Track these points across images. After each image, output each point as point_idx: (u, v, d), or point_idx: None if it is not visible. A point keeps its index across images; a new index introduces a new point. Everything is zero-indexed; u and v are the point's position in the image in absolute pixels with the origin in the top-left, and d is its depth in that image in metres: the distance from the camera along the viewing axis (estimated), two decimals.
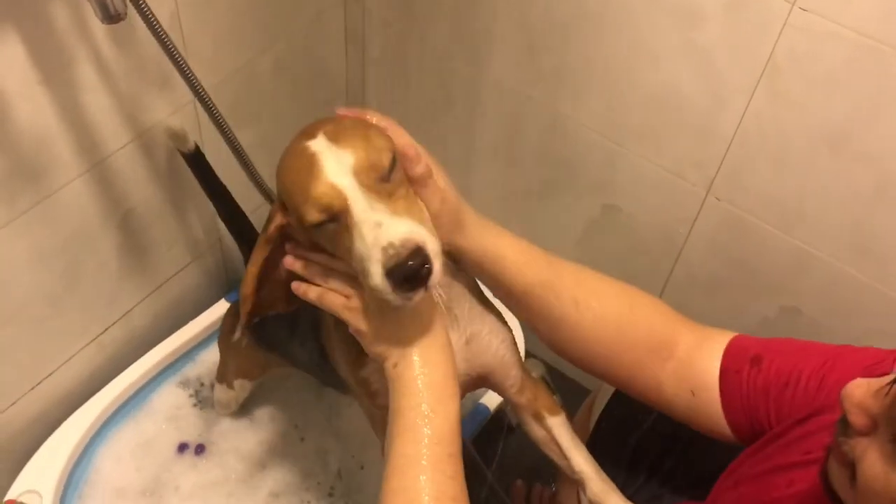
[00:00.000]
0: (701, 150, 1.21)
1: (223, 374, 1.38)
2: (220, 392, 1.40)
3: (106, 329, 1.37)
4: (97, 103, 1.12)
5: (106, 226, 1.26)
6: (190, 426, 1.42)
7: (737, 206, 1.23)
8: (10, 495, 1.21)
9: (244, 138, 1.42)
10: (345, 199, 0.74)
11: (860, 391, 0.64)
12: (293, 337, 1.10)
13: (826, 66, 1.03)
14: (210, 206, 1.31)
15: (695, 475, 1.07)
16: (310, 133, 0.78)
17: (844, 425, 0.65)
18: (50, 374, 1.30)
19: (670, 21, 1.12)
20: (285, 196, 0.80)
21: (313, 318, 1.01)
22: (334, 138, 0.76)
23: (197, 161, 1.24)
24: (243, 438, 1.43)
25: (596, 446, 1.08)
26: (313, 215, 0.75)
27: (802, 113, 1.08)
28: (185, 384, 1.46)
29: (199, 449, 1.41)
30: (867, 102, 1.02)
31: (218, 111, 1.15)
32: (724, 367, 0.93)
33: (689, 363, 0.96)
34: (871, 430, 0.63)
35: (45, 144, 1.08)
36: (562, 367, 1.68)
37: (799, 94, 1.08)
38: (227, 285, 1.58)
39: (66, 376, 1.34)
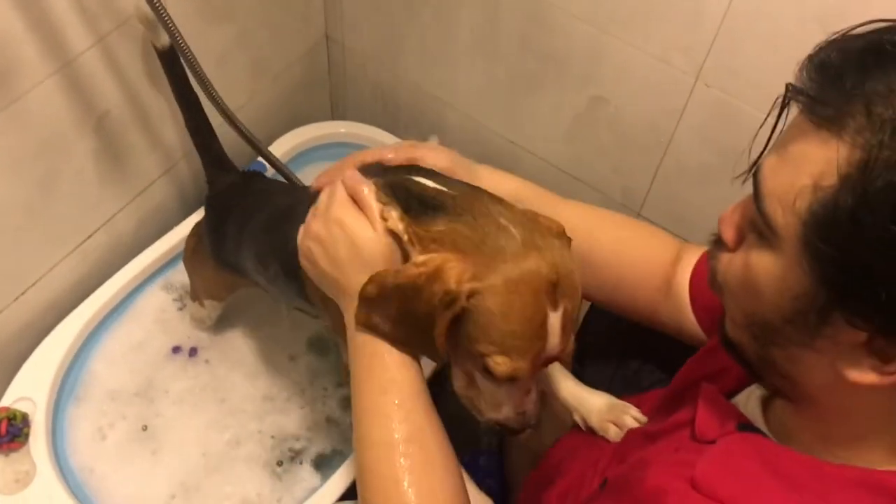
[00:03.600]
0: (689, 34, 1.17)
1: (194, 292, 1.38)
2: (193, 309, 1.40)
3: (89, 236, 1.35)
4: None
5: (81, 130, 1.22)
6: (177, 330, 1.42)
7: (727, 92, 1.20)
8: (2, 403, 1.21)
9: (218, 37, 1.38)
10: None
11: (729, 210, 0.71)
12: (253, 259, 1.10)
13: None
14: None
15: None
16: (550, 294, 0.77)
17: (716, 245, 0.72)
18: (34, 284, 1.29)
19: None
20: (488, 329, 0.77)
21: (278, 242, 1.00)
22: (565, 321, 0.78)
23: (170, 60, 1.19)
24: (234, 345, 1.43)
25: (587, 333, 1.10)
26: (508, 371, 0.78)
27: None
28: (168, 288, 1.45)
29: (193, 352, 1.41)
30: None
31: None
32: (692, 277, 1.00)
33: (676, 289, 1.02)
34: (737, 245, 0.68)
35: (7, 44, 1.03)
36: None
37: None
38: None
39: (52, 285, 1.33)
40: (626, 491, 0.74)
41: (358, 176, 0.88)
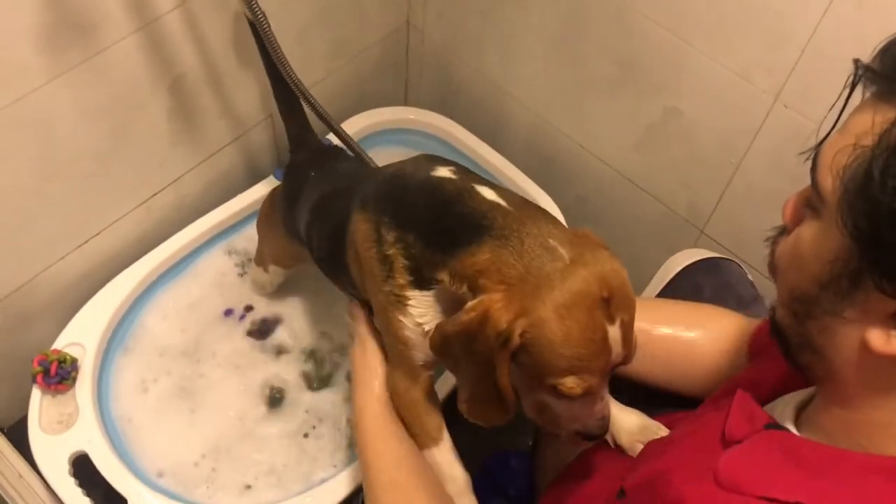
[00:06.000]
0: (773, 52, 1.14)
1: (260, 256, 1.39)
2: (256, 273, 1.42)
3: (155, 194, 1.39)
4: None
5: (157, 88, 1.25)
6: (234, 294, 1.45)
7: (805, 115, 1.16)
8: (55, 346, 1.25)
9: (302, 13, 1.40)
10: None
11: (793, 195, 0.73)
12: (317, 236, 1.10)
13: None
14: (265, 80, 1.28)
15: None
16: (605, 309, 0.77)
17: (778, 233, 0.74)
18: (98, 234, 1.33)
19: None
20: (551, 359, 0.77)
21: (335, 226, 1.01)
22: (625, 331, 0.79)
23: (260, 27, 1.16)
24: (292, 314, 1.45)
25: None
26: (581, 391, 0.78)
27: (883, 20, 1.00)
28: (231, 252, 1.48)
29: (244, 318, 1.43)
30: None
31: None
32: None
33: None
34: (795, 225, 0.69)
35: None
36: None
37: (885, 1, 0.99)
38: (276, 161, 1.58)
39: (114, 237, 1.37)
40: (647, 501, 0.73)
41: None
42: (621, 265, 0.81)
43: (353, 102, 1.63)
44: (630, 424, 0.99)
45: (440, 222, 0.86)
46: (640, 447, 0.96)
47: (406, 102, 1.84)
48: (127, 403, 1.30)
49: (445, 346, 0.83)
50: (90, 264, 1.35)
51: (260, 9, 1.11)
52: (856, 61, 0.64)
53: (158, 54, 1.21)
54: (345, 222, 0.97)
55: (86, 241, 1.32)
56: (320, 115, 1.25)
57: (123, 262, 1.37)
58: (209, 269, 1.46)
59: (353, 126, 1.58)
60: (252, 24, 1.16)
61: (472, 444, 1.03)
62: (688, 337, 1.06)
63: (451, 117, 1.63)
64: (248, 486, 1.25)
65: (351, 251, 0.96)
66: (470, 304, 0.79)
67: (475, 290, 0.80)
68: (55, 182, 1.20)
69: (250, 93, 1.42)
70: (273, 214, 1.30)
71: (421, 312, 0.88)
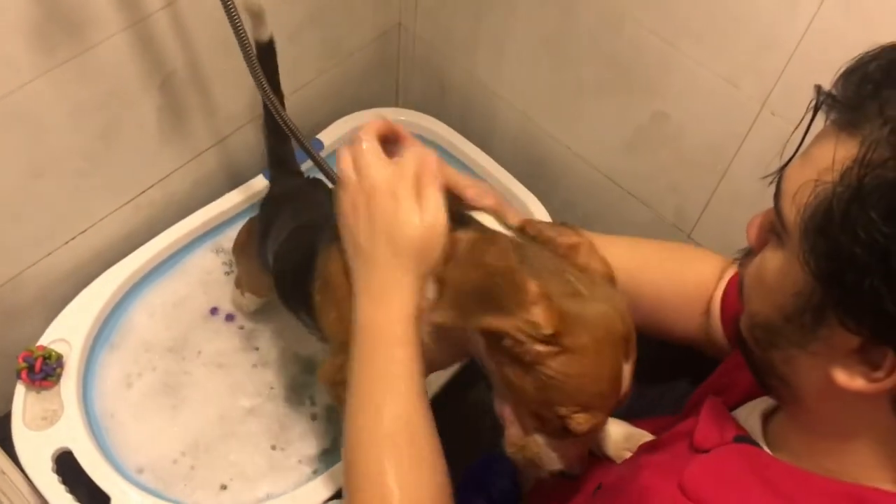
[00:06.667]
0: (760, 58, 1.14)
1: (238, 281, 1.40)
2: (235, 294, 1.43)
3: (143, 191, 1.39)
4: None
5: (147, 87, 1.25)
6: (220, 293, 1.45)
7: (792, 122, 1.16)
8: (40, 342, 1.25)
9: (294, 12, 1.40)
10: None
11: (756, 216, 0.73)
12: (283, 270, 1.09)
13: None
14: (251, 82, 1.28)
15: None
16: (624, 347, 0.76)
17: (745, 254, 0.73)
18: (85, 231, 1.33)
19: None
20: (574, 391, 0.75)
21: (303, 258, 0.99)
22: (633, 369, 0.77)
23: (265, 55, 1.14)
24: (272, 317, 1.45)
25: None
26: (585, 425, 0.76)
27: (871, 31, 1.00)
28: (218, 251, 1.48)
29: (230, 317, 1.44)
30: None
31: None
32: (726, 288, 0.99)
33: (713, 306, 1.01)
34: (760, 248, 0.69)
35: None
36: None
37: (872, 9, 1.00)
38: (264, 161, 1.57)
39: (102, 234, 1.36)
40: (617, 494, 0.73)
41: (431, 159, 0.85)
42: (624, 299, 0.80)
43: (343, 103, 1.63)
44: (616, 435, 0.99)
45: None
46: (627, 455, 0.97)
47: (396, 104, 1.84)
48: (110, 399, 1.29)
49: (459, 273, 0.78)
50: (77, 261, 1.35)
51: (235, 7, 1.06)
52: (817, 87, 0.64)
53: (149, 52, 1.21)
54: (313, 255, 0.95)
55: (73, 238, 1.32)
56: (289, 128, 1.16)
57: (111, 260, 1.36)
58: (196, 267, 1.46)
59: (343, 127, 1.58)
60: (257, 46, 1.13)
61: (456, 451, 1.02)
62: (667, 280, 1.05)
63: (441, 119, 1.64)
64: (224, 487, 1.25)
65: (319, 283, 0.94)
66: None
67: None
68: (43, 178, 1.20)
69: (239, 92, 1.42)
70: (249, 244, 1.30)
71: None
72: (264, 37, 1.12)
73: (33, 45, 1.06)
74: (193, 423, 1.30)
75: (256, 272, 1.27)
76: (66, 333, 1.27)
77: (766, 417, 0.77)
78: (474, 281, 0.77)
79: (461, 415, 0.86)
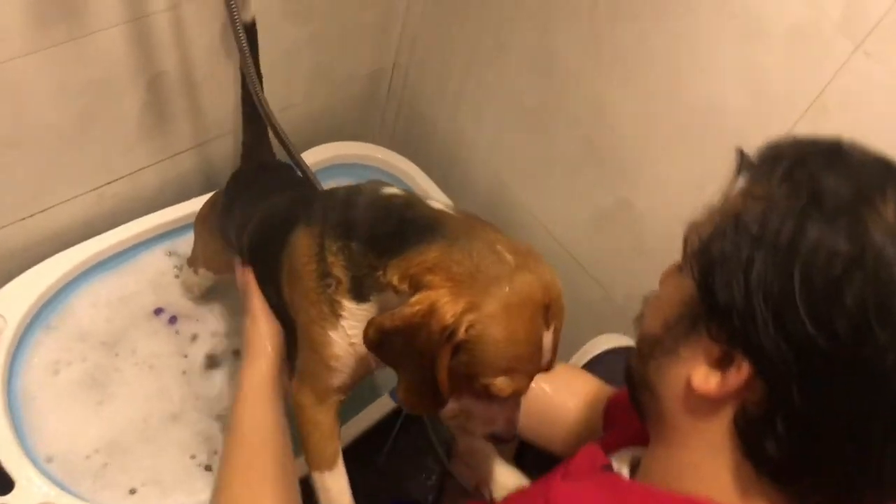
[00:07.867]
0: (729, 171, 1.19)
1: (193, 257, 1.39)
2: (187, 274, 1.43)
3: (111, 181, 1.39)
4: None
5: (135, 81, 1.26)
6: (168, 295, 1.45)
7: None
8: None
9: (292, 33, 1.42)
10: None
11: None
12: (250, 245, 1.11)
13: (874, 115, 1.00)
14: (239, 93, 1.30)
15: None
16: (544, 315, 0.81)
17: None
18: (46, 209, 1.33)
19: (732, 25, 1.10)
20: (492, 356, 0.79)
21: (271, 239, 1.02)
22: (555, 339, 0.83)
23: (248, 37, 1.15)
24: (212, 327, 1.45)
25: None
26: (506, 389, 0.81)
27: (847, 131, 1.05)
28: (172, 255, 1.47)
29: (173, 319, 1.43)
30: None
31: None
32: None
33: None
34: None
35: None
36: None
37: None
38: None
39: (62, 216, 1.36)
40: None
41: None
42: (558, 278, 0.85)
43: (326, 131, 1.65)
44: (508, 482, 1.03)
45: (388, 226, 0.88)
46: None
47: (376, 140, 1.86)
48: (34, 381, 1.28)
49: (382, 341, 0.83)
50: (32, 238, 1.34)
51: (239, 15, 1.11)
52: (739, 150, 0.74)
53: (144, 49, 1.22)
54: (282, 237, 0.98)
55: (31, 216, 1.32)
56: (277, 135, 1.25)
57: (64, 244, 1.35)
58: (150, 266, 1.45)
59: (319, 155, 1.60)
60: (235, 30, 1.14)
61: (373, 489, 1.03)
62: (549, 394, 1.11)
63: (418, 163, 1.66)
64: (133, 491, 1.23)
65: (286, 266, 0.97)
66: (414, 298, 0.80)
67: (420, 288, 0.81)
68: (13, 150, 1.20)
69: (223, 103, 1.44)
70: (211, 216, 1.30)
71: (353, 325, 0.89)
72: (246, 18, 1.15)
73: (29, 22, 1.06)
74: (115, 421, 1.28)
75: (216, 245, 1.28)
76: (3, 309, 1.26)
77: (634, 464, 0.83)
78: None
79: (380, 468, 0.88)
